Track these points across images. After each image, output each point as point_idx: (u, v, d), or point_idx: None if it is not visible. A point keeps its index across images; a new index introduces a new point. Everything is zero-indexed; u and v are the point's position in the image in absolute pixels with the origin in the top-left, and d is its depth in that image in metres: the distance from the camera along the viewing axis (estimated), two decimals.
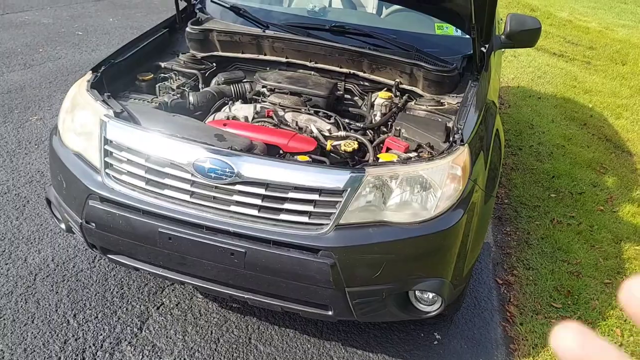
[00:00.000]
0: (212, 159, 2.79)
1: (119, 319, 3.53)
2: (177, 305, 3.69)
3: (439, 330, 3.74)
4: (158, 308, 3.65)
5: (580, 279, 4.46)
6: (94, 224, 3.08)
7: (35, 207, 4.47)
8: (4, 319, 3.42)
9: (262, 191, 2.79)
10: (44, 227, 4.24)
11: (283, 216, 2.81)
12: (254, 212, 2.82)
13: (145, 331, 3.47)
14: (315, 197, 2.77)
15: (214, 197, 2.87)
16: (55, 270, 3.85)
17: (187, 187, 2.88)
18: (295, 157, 3.13)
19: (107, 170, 3.01)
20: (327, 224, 2.76)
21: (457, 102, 3.61)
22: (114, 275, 3.86)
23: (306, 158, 3.11)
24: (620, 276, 4.57)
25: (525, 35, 4.08)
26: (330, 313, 3.02)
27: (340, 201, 2.75)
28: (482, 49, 3.80)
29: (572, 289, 4.32)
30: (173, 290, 3.80)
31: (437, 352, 3.60)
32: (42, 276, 3.78)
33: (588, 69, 11.31)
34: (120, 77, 3.67)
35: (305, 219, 2.79)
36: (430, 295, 3.09)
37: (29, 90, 6.63)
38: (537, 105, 8.50)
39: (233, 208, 2.84)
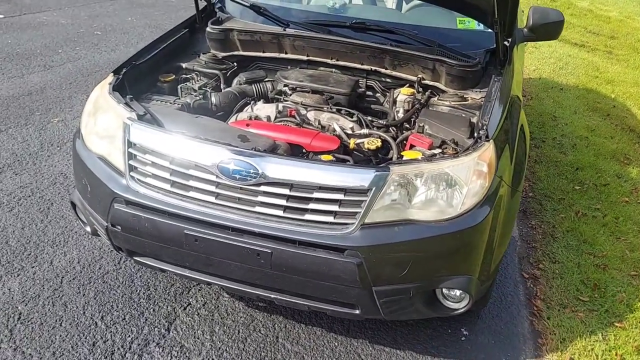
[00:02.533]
0: (237, 160, 2.78)
1: (146, 320, 3.54)
2: (203, 305, 3.69)
3: (466, 326, 3.73)
4: (185, 308, 3.65)
5: (607, 272, 4.43)
6: (119, 227, 3.08)
7: (59, 209, 4.49)
8: (32, 323, 3.44)
9: (286, 191, 2.78)
10: (69, 230, 4.26)
11: (308, 216, 2.79)
12: (279, 212, 2.81)
13: (172, 332, 3.47)
14: (340, 196, 2.75)
15: (239, 199, 2.86)
16: (81, 272, 3.86)
17: (212, 188, 2.88)
18: (319, 156, 3.12)
19: (131, 173, 3.01)
20: (353, 223, 2.75)
21: (481, 97, 3.58)
22: (140, 276, 3.87)
23: (330, 157, 3.11)
24: None
25: (549, 28, 4.02)
26: (357, 312, 3.01)
27: (366, 200, 2.73)
28: (505, 42, 3.77)
29: (598, 282, 4.28)
30: (199, 290, 3.81)
31: (465, 348, 3.59)
32: (69, 279, 3.79)
33: (610, 59, 11.23)
34: (142, 78, 3.67)
35: (330, 218, 2.78)
36: (458, 292, 3.07)
37: (50, 91, 6.68)
38: (560, 97, 8.45)
39: (258, 209, 2.84)
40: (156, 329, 3.48)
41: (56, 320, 3.47)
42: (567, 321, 3.88)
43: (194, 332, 3.48)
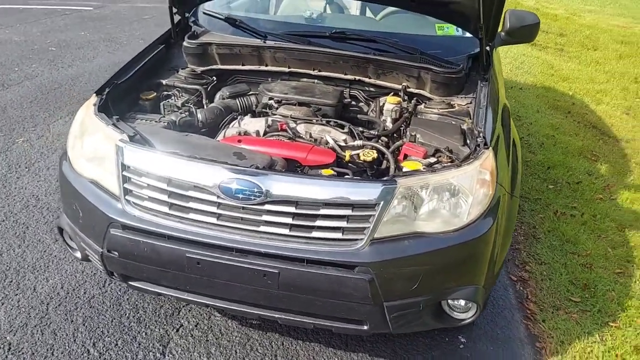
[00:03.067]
0: (239, 180, 2.71)
1: (139, 344, 3.45)
2: (196, 325, 3.61)
3: (463, 333, 3.71)
4: (177, 330, 3.57)
5: (593, 271, 4.45)
6: (116, 253, 2.99)
7: (35, 232, 4.37)
8: (23, 353, 3.33)
9: (292, 209, 2.73)
10: (48, 254, 4.14)
11: (315, 233, 2.74)
12: (285, 231, 2.75)
13: (168, 355, 3.39)
14: (347, 212, 2.71)
15: (242, 218, 2.80)
16: (66, 298, 3.75)
17: (214, 209, 2.80)
18: (319, 171, 3.07)
19: (127, 197, 2.92)
20: (362, 239, 2.71)
21: (467, 104, 3.58)
22: (127, 298, 3.78)
23: (330, 171, 3.05)
24: (630, 265, 4.58)
25: (525, 31, 4.04)
26: (365, 328, 2.97)
27: (374, 215, 2.69)
28: (487, 47, 3.77)
29: (587, 281, 4.30)
30: (189, 310, 3.72)
31: (464, 356, 3.57)
32: (55, 305, 3.68)
33: (562, 57, 11.41)
34: (124, 97, 3.57)
35: (338, 235, 2.73)
36: (463, 302, 3.05)
37: (11, 111, 6.54)
38: (520, 96, 8.54)
39: (263, 228, 2.78)
40: (151, 353, 3.40)
41: (47, 350, 3.36)
42: (563, 323, 3.89)
43: (190, 355, 3.40)
